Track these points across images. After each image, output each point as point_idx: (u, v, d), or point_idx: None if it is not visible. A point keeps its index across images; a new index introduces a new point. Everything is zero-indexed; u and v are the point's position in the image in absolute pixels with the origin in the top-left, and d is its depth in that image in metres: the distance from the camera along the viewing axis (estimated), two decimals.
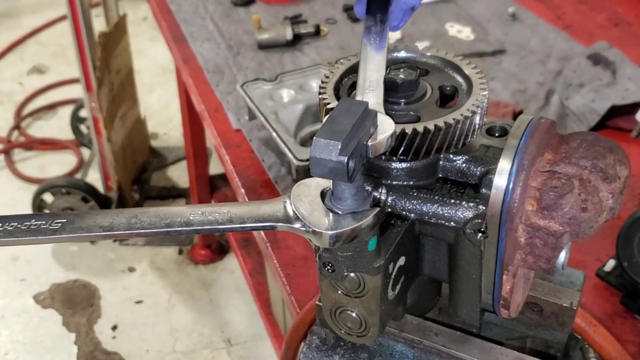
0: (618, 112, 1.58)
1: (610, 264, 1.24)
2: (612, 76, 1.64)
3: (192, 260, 3.12)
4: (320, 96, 0.71)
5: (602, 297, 1.23)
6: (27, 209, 3.10)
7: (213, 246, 3.11)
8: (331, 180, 0.64)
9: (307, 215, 0.63)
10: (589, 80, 1.64)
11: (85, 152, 3.57)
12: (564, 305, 0.85)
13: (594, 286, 1.25)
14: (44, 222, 0.65)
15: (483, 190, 0.69)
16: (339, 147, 0.56)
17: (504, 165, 0.64)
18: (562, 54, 1.80)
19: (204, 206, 0.66)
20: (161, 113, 3.92)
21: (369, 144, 0.60)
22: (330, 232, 0.62)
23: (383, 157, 0.68)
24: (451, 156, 0.70)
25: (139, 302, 2.95)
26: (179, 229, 0.65)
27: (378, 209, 0.63)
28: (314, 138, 0.57)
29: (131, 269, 3.10)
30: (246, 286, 2.62)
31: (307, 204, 0.64)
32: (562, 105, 1.62)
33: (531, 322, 0.88)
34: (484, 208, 0.67)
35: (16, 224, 0.66)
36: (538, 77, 1.74)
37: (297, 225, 0.64)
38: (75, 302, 2.96)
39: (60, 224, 0.65)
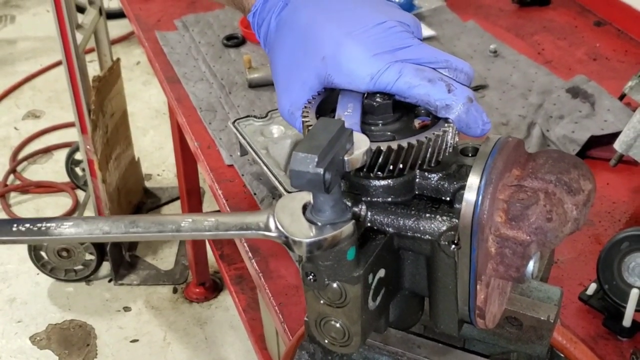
0: (597, 142, 1.63)
1: (592, 287, 1.27)
2: (591, 108, 1.70)
3: (187, 299, 3.14)
4: (302, 118, 0.76)
5: (585, 319, 1.27)
6: (24, 251, 3.13)
7: (207, 284, 3.14)
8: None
9: (286, 225, 0.68)
10: (569, 112, 1.69)
11: (81, 194, 3.61)
12: (542, 318, 0.88)
13: (577, 309, 1.28)
14: (53, 224, 0.73)
15: (456, 204, 0.73)
16: (316, 160, 0.61)
17: (473, 180, 0.69)
18: (543, 88, 1.85)
19: (195, 215, 0.72)
20: (155, 154, 3.97)
21: (345, 158, 0.65)
22: (307, 240, 0.66)
23: (361, 174, 0.73)
24: (426, 174, 0.75)
25: (134, 341, 2.97)
26: (170, 234, 0.71)
27: (353, 220, 0.68)
28: (293, 152, 0.62)
29: (126, 309, 3.12)
30: (241, 323, 2.64)
31: (288, 215, 0.68)
32: (543, 137, 1.67)
33: (511, 337, 0.92)
34: (457, 221, 0.71)
35: (29, 225, 0.74)
36: (520, 110, 1.79)
37: (277, 234, 0.69)
38: (71, 343, 2.98)
39: (67, 227, 0.73)
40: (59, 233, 0.73)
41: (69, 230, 0.73)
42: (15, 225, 0.74)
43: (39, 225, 0.74)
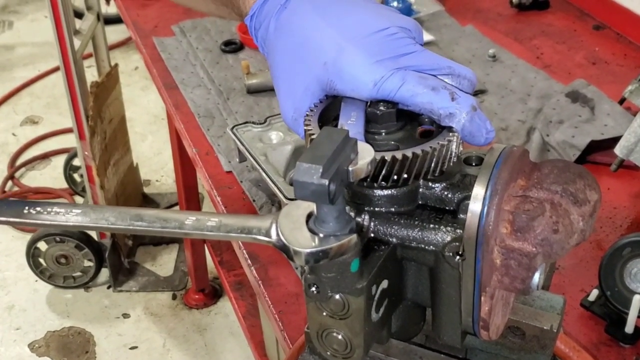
0: (598, 147, 1.62)
1: (594, 293, 1.27)
2: (591, 112, 1.69)
3: (186, 305, 3.14)
4: (305, 127, 0.76)
5: (587, 326, 1.26)
6: (22, 258, 3.12)
7: (206, 290, 3.13)
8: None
9: (287, 234, 0.67)
10: (569, 116, 1.69)
11: (79, 200, 3.60)
12: (545, 328, 0.88)
13: (579, 316, 1.28)
14: (62, 210, 0.76)
15: (460, 215, 0.72)
16: (320, 170, 0.60)
17: (479, 190, 0.68)
18: (542, 93, 1.85)
19: (200, 213, 0.72)
20: (153, 160, 3.96)
21: (350, 168, 0.64)
22: (306, 251, 0.65)
23: (365, 184, 0.73)
24: (430, 184, 0.74)
25: (133, 347, 2.97)
26: (172, 230, 0.72)
27: (355, 233, 0.67)
28: (297, 162, 0.61)
29: (125, 315, 3.11)
30: (240, 330, 2.63)
31: (290, 223, 0.67)
32: (543, 142, 1.66)
33: (514, 346, 0.91)
34: (461, 232, 0.70)
35: (40, 208, 0.77)
36: (519, 115, 1.78)
37: (277, 241, 0.68)
38: (70, 350, 2.97)
39: (76, 213, 0.76)
40: (66, 220, 0.76)
41: (76, 217, 0.76)
42: (27, 207, 0.77)
43: (49, 209, 0.76)
